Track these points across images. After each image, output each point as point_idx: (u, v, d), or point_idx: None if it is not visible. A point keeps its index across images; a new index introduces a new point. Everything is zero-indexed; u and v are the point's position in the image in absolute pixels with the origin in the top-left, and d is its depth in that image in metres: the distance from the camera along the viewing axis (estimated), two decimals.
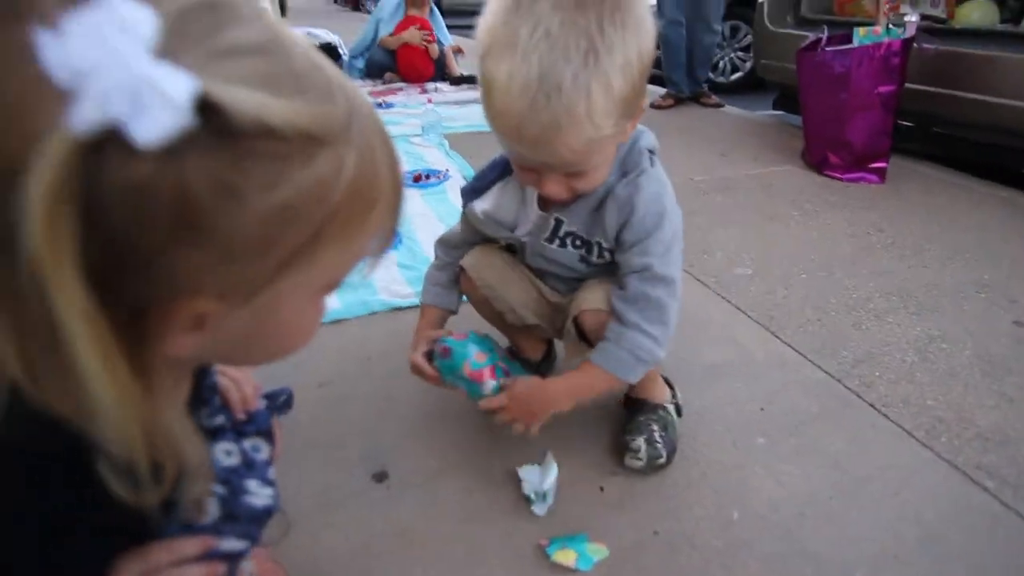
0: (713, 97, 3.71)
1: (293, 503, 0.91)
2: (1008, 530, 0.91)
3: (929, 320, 1.45)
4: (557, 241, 0.91)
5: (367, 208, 0.38)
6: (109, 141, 0.27)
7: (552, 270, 0.98)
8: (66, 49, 0.27)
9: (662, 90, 3.76)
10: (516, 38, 0.63)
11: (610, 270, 0.92)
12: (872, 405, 1.17)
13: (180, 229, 0.31)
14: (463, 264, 1.03)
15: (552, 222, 0.89)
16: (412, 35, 4.05)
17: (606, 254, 0.90)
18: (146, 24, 0.28)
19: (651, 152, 0.87)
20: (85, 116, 0.27)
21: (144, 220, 0.30)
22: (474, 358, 0.91)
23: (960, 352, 1.33)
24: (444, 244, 1.07)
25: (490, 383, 0.90)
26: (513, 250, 1.02)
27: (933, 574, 0.84)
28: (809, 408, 1.16)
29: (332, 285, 0.43)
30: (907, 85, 2.29)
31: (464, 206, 0.98)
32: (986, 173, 2.46)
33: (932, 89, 2.40)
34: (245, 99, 0.30)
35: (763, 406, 1.16)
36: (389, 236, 0.43)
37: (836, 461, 1.03)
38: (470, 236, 1.03)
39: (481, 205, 0.95)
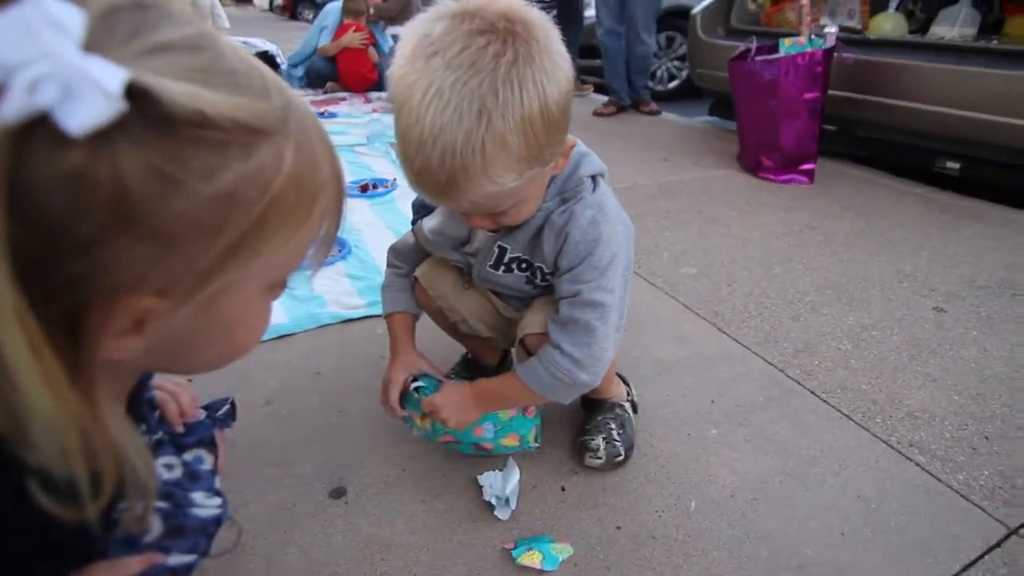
0: (652, 104, 3.84)
1: (246, 525, 0.87)
2: (940, 500, 0.97)
3: (860, 310, 1.55)
4: (502, 267, 0.91)
5: (310, 199, 0.38)
6: (39, 130, 0.27)
7: (501, 292, 0.99)
8: None
9: (605, 98, 3.87)
10: (412, 94, 0.62)
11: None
12: (813, 392, 1.23)
13: (116, 219, 0.30)
14: (417, 274, 1.02)
15: (496, 250, 0.89)
16: (350, 39, 4.00)
17: (548, 277, 0.90)
18: (74, 21, 0.28)
19: (595, 177, 0.85)
20: (13, 105, 0.26)
21: (79, 209, 0.29)
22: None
23: (889, 338, 1.43)
24: (396, 252, 1.06)
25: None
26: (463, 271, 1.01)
27: (876, 546, 0.89)
28: (756, 398, 1.21)
29: (278, 284, 0.42)
30: (830, 92, 2.44)
31: (413, 222, 0.97)
32: (903, 172, 2.65)
33: (852, 95, 2.57)
34: (177, 89, 0.30)
35: (714, 398, 1.20)
36: (332, 232, 0.42)
37: (783, 447, 1.08)
38: (420, 245, 1.02)
39: (430, 223, 0.94)
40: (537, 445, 0.99)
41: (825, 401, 1.20)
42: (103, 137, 0.28)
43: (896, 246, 1.93)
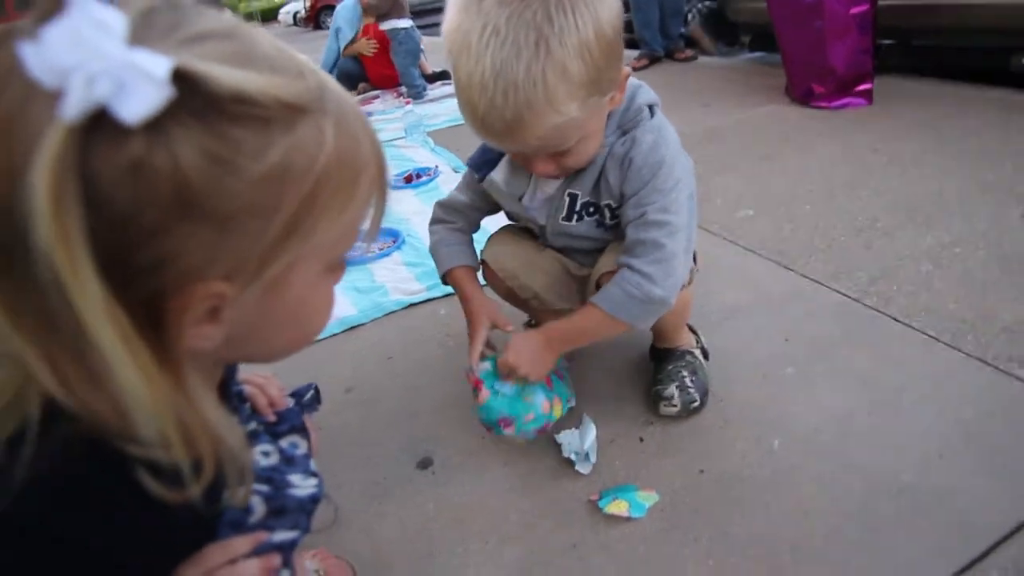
0: (687, 51, 3.69)
1: (343, 502, 0.93)
2: None
3: (939, 228, 1.45)
4: (575, 216, 0.91)
5: (354, 175, 0.39)
6: (99, 124, 0.29)
7: (575, 245, 0.98)
8: (46, 54, 0.28)
9: (635, 52, 3.74)
10: (469, 39, 0.64)
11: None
12: (894, 318, 1.17)
13: (178, 204, 0.32)
14: (484, 258, 1.03)
15: (567, 198, 0.89)
16: (360, 46, 4.06)
17: (617, 213, 0.89)
18: (117, 21, 0.30)
19: (651, 106, 0.86)
20: (73, 103, 0.28)
21: (144, 198, 0.31)
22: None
23: (974, 254, 1.33)
24: (445, 208, 1.04)
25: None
26: (532, 232, 1.01)
27: (981, 467, 0.85)
28: (833, 332, 1.16)
29: (336, 265, 0.44)
30: (880, 2, 2.27)
31: (480, 179, 0.95)
32: (973, 78, 2.43)
33: (907, 2, 2.37)
34: (220, 71, 0.31)
35: (787, 337, 1.16)
36: (380, 207, 0.43)
37: (868, 377, 1.04)
38: (477, 201, 1.01)
39: (498, 175, 0.94)
40: (572, 404, 0.98)
41: (909, 326, 1.14)
42: (157, 126, 0.30)
43: (973, 156, 1.78)
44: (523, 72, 0.63)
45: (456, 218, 1.03)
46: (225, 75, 0.31)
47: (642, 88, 0.86)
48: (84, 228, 0.29)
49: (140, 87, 0.29)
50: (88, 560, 0.40)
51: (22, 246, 0.29)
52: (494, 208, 1.02)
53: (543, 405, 0.91)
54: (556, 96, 0.65)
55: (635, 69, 3.62)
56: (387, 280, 1.58)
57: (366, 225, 0.43)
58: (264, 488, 0.56)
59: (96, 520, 0.40)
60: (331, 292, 0.46)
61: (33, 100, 0.29)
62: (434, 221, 1.05)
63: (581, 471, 0.92)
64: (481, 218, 1.05)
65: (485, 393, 0.89)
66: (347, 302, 1.50)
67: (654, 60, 3.68)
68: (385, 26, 3.77)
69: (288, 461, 0.62)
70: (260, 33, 0.36)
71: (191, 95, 0.30)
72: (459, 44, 0.66)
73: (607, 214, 0.90)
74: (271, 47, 0.36)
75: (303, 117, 0.35)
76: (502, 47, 0.63)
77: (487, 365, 0.92)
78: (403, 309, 1.46)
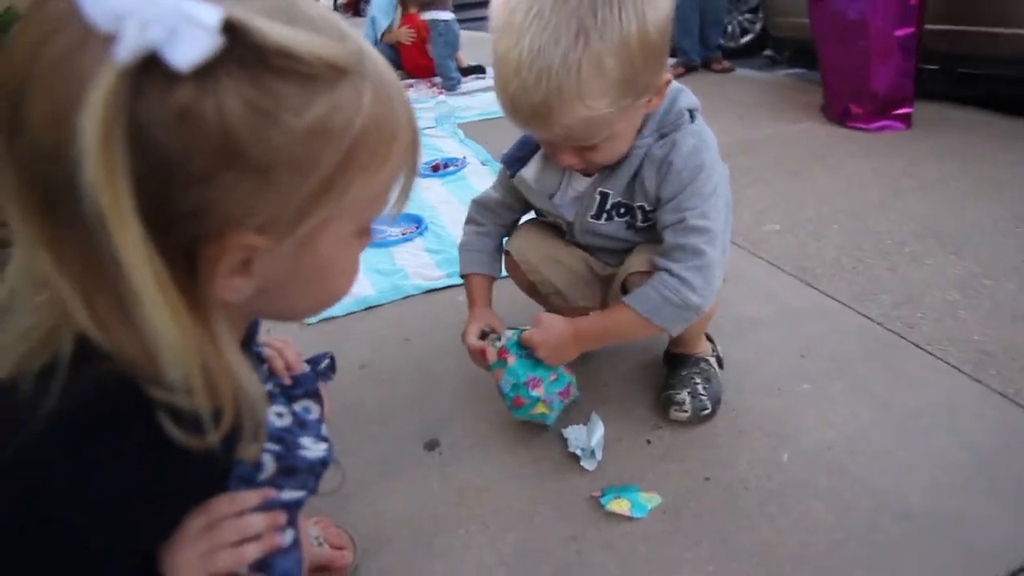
0: (724, 62, 3.65)
1: (352, 474, 0.94)
2: None
3: (968, 258, 1.42)
4: (604, 215, 0.91)
5: (389, 140, 0.40)
6: (150, 69, 0.30)
7: (602, 244, 0.98)
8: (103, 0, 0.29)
9: (671, 60, 3.72)
10: (513, 18, 0.65)
11: (658, 235, 0.90)
12: (916, 345, 1.15)
13: (223, 153, 0.32)
14: (509, 250, 1.03)
15: (598, 196, 0.89)
16: (400, 34, 4.10)
17: (650, 216, 0.89)
18: None
19: (692, 111, 0.85)
20: (126, 47, 0.29)
21: (191, 144, 0.32)
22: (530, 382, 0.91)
23: (1004, 286, 1.31)
24: (478, 206, 1.05)
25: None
26: (560, 228, 1.01)
27: (994, 498, 0.83)
28: (852, 352, 1.15)
29: (364, 229, 0.45)
30: (927, 26, 2.23)
31: (512, 175, 0.95)
32: (1015, 109, 2.38)
33: (954, 27, 2.33)
34: (268, 26, 0.32)
35: (804, 353, 1.15)
36: (411, 177, 0.44)
37: (884, 400, 1.02)
38: (508, 199, 1.02)
39: (529, 172, 0.94)
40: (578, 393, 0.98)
41: (931, 353, 1.12)
42: (206, 73, 0.31)
43: (1010, 188, 1.75)
44: (559, 60, 0.63)
45: (487, 219, 1.04)
46: (271, 29, 0.32)
47: (684, 92, 0.85)
48: (129, 169, 0.30)
49: (191, 34, 0.30)
50: (103, 498, 0.41)
51: (68, 185, 0.30)
52: (527, 207, 1.03)
53: (562, 368, 0.94)
54: (587, 89, 0.65)
55: None
56: (408, 264, 1.60)
57: (395, 194, 0.44)
58: (275, 447, 0.57)
59: (116, 458, 0.40)
60: (358, 257, 0.47)
61: (88, 43, 0.30)
62: (467, 221, 1.07)
63: (586, 467, 0.92)
64: (514, 218, 1.06)
65: (512, 358, 0.90)
66: (367, 282, 1.52)
67: (690, 69, 3.65)
68: (427, 16, 3.80)
69: (301, 424, 0.63)
70: None
71: (239, 46, 0.31)
72: (503, 21, 0.66)
73: (639, 216, 0.90)
74: (314, 9, 0.37)
75: (343, 78, 0.36)
76: (543, 31, 0.63)
77: (511, 335, 0.93)
78: (422, 294, 1.48)
